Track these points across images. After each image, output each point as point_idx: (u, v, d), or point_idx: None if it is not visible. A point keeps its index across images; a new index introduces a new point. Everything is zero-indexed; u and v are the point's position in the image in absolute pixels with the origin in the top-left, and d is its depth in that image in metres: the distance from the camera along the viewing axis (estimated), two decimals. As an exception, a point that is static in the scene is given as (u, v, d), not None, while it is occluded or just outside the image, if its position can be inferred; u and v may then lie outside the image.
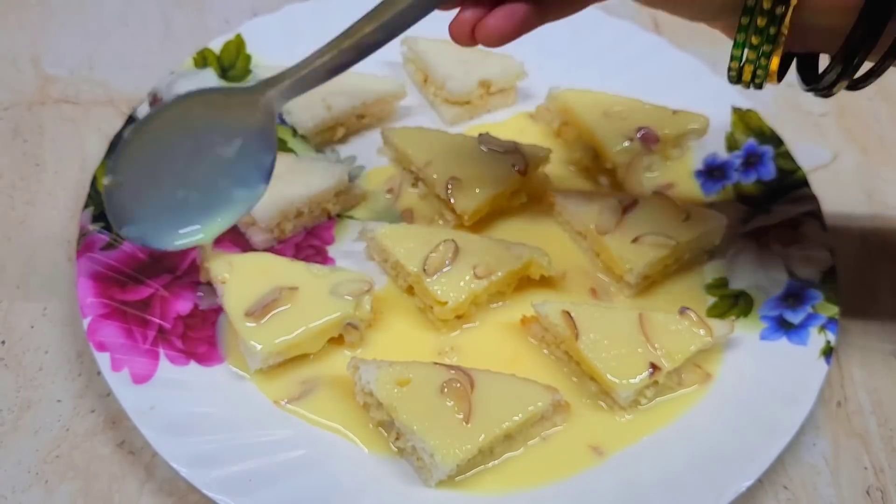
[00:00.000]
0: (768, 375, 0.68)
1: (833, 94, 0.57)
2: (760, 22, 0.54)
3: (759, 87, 0.59)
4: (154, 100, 0.79)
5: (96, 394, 0.67)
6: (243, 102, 0.64)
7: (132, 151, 0.63)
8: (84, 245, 0.69)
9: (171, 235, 0.66)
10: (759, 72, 0.57)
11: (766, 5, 0.53)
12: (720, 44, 0.95)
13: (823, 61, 0.58)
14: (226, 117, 0.64)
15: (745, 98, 0.84)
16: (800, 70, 0.60)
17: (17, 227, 0.76)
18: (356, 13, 0.88)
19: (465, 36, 0.60)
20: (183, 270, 0.71)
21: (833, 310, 0.70)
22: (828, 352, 0.68)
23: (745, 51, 0.57)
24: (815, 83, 0.58)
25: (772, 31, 0.54)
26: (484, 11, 0.59)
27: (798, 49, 0.58)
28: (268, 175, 0.66)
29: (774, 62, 0.56)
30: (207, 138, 0.65)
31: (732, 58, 0.57)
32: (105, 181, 0.63)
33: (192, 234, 0.66)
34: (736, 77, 0.59)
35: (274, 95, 0.64)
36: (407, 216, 0.77)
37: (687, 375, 0.68)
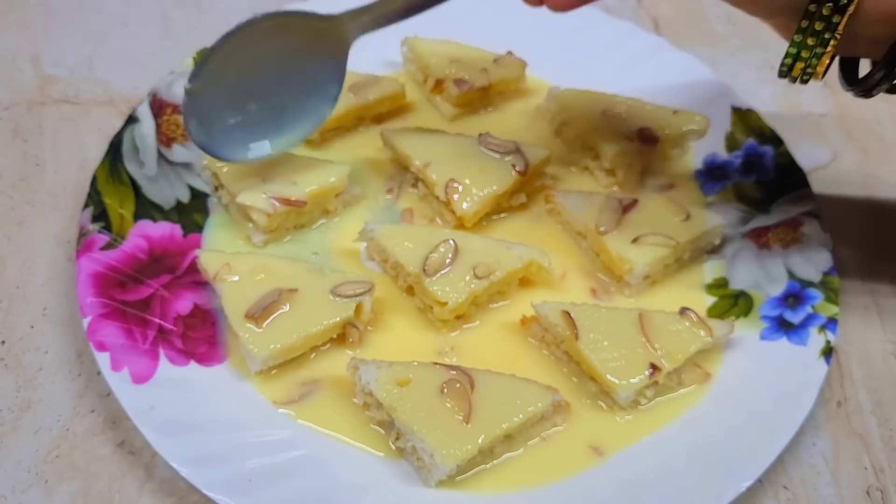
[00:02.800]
0: (768, 375, 0.68)
1: (873, 96, 0.62)
2: (818, 26, 0.59)
3: (805, 82, 0.63)
4: (154, 100, 0.79)
5: (96, 394, 0.67)
6: (322, 30, 0.70)
7: (215, 62, 0.68)
8: (84, 245, 0.69)
9: (241, 148, 0.71)
10: (808, 70, 0.62)
11: (826, 12, 0.58)
12: (720, 44, 0.96)
13: (863, 66, 0.63)
14: (303, 41, 0.70)
15: (744, 98, 0.84)
16: (843, 71, 0.65)
17: (17, 227, 0.76)
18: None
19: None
20: (183, 270, 0.71)
21: (833, 310, 0.70)
22: (828, 352, 0.68)
23: (800, 50, 0.61)
24: (857, 85, 0.63)
25: (826, 35, 0.59)
26: None
27: (844, 53, 0.63)
28: (334, 101, 0.72)
29: (824, 62, 0.61)
30: (284, 59, 0.70)
31: (787, 55, 0.62)
32: (186, 85, 0.67)
33: (259, 149, 0.72)
34: (786, 72, 0.63)
35: (353, 28, 0.69)
36: (407, 216, 0.77)
37: (687, 375, 0.68)
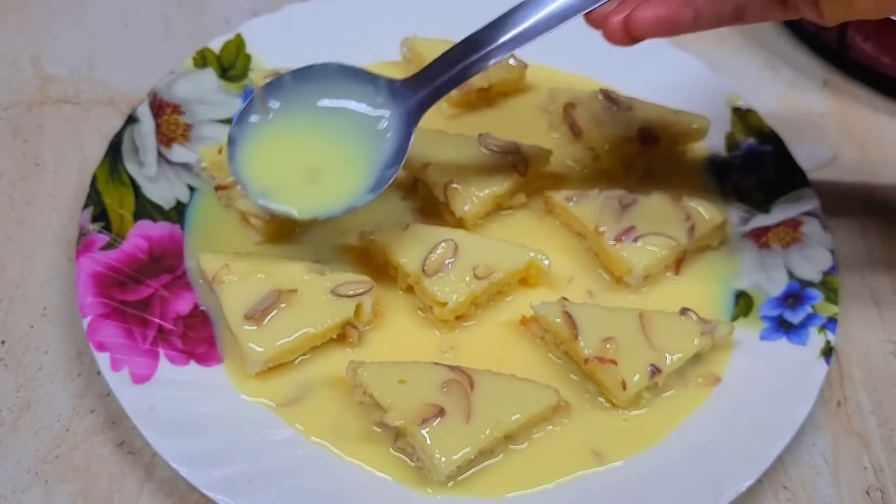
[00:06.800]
0: (768, 375, 0.68)
1: None
2: None
3: None
4: (154, 100, 0.79)
5: (96, 394, 0.67)
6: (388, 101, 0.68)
7: (290, 89, 0.68)
8: (84, 245, 0.69)
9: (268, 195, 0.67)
10: None
11: None
12: (720, 44, 0.96)
13: None
14: (372, 102, 0.68)
15: (745, 98, 0.84)
16: None
17: (17, 227, 0.76)
18: (356, 13, 0.89)
19: (619, 34, 0.62)
20: (183, 270, 0.71)
21: (833, 310, 0.70)
22: (827, 352, 0.68)
23: None
24: None
25: None
26: (631, 6, 0.61)
27: None
28: (379, 187, 0.67)
29: None
30: (351, 121, 0.68)
31: None
32: (258, 93, 0.67)
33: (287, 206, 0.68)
34: None
35: (423, 100, 0.67)
36: (417, 215, 0.77)
37: (689, 376, 0.68)
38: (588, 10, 0.63)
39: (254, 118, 0.68)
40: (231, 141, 0.67)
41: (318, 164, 0.68)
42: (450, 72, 0.67)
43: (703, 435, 0.65)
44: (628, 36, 0.62)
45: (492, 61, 0.66)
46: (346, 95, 0.69)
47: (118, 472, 0.63)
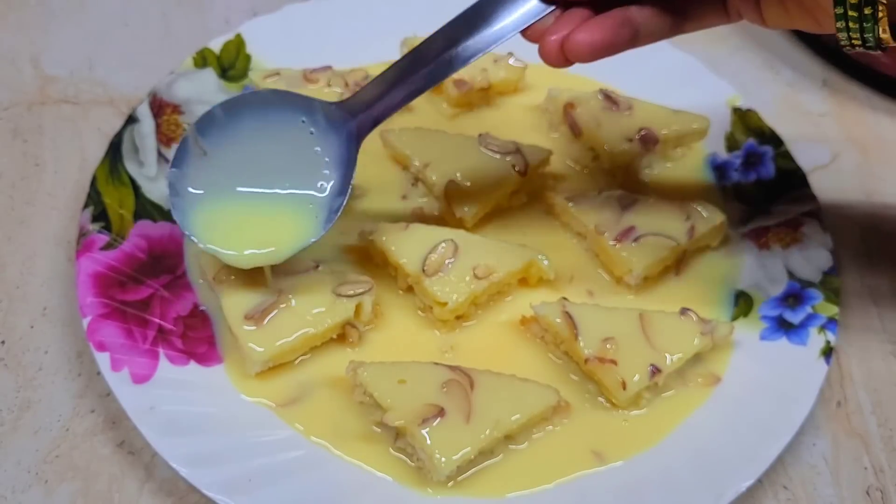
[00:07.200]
0: (768, 376, 0.68)
1: None
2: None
3: (883, 50, 0.58)
4: (154, 100, 0.79)
5: (96, 394, 0.67)
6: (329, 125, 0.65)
7: (222, 127, 0.64)
8: (84, 245, 0.69)
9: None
10: (867, 37, 0.56)
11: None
12: (720, 44, 0.96)
13: None
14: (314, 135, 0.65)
15: (744, 98, 0.84)
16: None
17: (17, 227, 0.76)
18: (356, 13, 0.89)
19: (554, 55, 0.60)
20: (183, 270, 0.71)
21: (833, 310, 0.70)
22: (828, 352, 0.68)
23: (849, 30, 0.56)
24: None
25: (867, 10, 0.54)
26: (571, 28, 0.59)
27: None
28: (325, 222, 0.65)
29: (884, 25, 0.55)
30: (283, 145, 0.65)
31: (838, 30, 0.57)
32: (191, 132, 0.63)
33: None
34: (847, 44, 0.58)
35: (362, 122, 0.64)
36: (416, 216, 0.77)
37: (689, 376, 0.68)
38: (523, 27, 0.61)
39: (190, 163, 0.65)
40: (171, 187, 0.64)
41: (263, 208, 0.66)
42: (392, 92, 0.64)
43: (703, 435, 0.65)
44: (563, 58, 0.60)
45: (433, 83, 0.64)
46: (281, 128, 0.65)
47: (118, 472, 0.63)
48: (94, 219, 0.71)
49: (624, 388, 0.64)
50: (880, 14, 0.55)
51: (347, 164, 0.65)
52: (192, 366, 0.66)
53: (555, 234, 0.77)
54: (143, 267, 0.70)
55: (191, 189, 0.65)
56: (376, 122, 0.65)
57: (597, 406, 0.67)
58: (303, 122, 0.65)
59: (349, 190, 0.65)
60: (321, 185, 0.66)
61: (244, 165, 0.66)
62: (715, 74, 0.86)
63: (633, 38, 0.61)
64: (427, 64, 0.63)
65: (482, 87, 0.83)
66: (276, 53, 0.85)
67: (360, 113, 0.65)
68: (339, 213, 0.65)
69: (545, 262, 0.71)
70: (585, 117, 0.80)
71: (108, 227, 0.71)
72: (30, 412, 0.66)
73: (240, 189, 0.66)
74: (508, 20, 0.61)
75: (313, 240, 0.65)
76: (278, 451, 0.62)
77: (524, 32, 0.62)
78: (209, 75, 0.83)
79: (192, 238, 0.64)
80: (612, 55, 0.61)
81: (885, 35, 0.56)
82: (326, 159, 0.66)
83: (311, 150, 0.66)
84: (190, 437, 0.61)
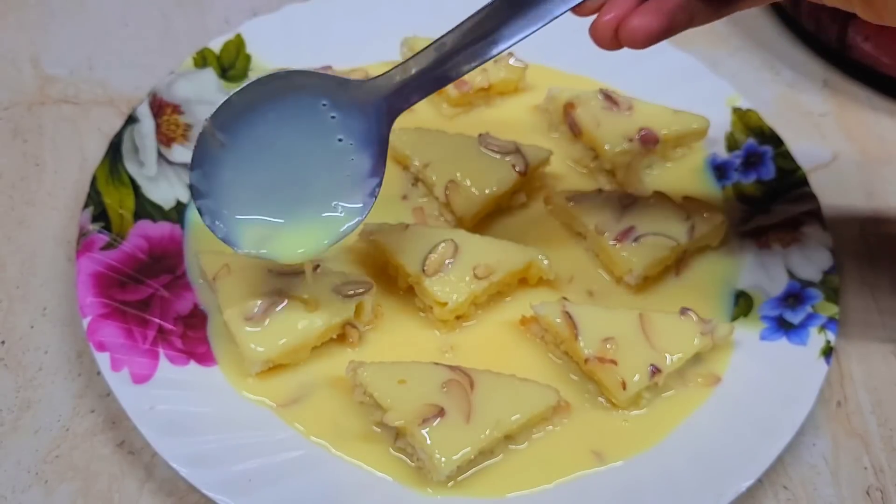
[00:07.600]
0: (768, 375, 0.68)
1: None
2: None
3: None
4: (154, 100, 0.79)
5: (96, 394, 0.67)
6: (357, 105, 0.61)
7: (239, 116, 0.61)
8: (84, 245, 0.69)
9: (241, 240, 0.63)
10: None
11: None
12: (720, 44, 0.96)
13: None
14: (338, 116, 0.62)
15: (744, 98, 0.84)
16: None
17: (17, 227, 0.76)
18: (356, 13, 0.89)
19: (608, 39, 0.58)
20: (183, 270, 0.71)
21: (833, 310, 0.70)
22: (828, 352, 0.68)
23: None
24: None
25: None
26: (627, 9, 0.57)
27: None
28: (368, 204, 0.62)
29: None
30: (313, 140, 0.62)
31: None
32: (207, 125, 0.60)
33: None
34: None
35: (393, 102, 0.61)
36: (418, 215, 0.77)
37: (689, 376, 0.68)
38: (573, 5, 0.58)
39: (210, 161, 0.61)
40: (193, 190, 0.62)
41: (292, 197, 0.63)
42: (431, 70, 0.60)
43: (703, 435, 0.65)
44: (616, 42, 0.58)
45: (477, 63, 0.60)
46: (301, 117, 0.62)
47: (118, 472, 0.63)
48: (94, 219, 0.71)
49: (624, 388, 0.64)
50: None
51: (379, 143, 0.62)
52: (192, 366, 0.66)
53: (555, 234, 0.77)
54: (143, 267, 0.70)
55: (225, 211, 0.62)
56: (409, 101, 0.62)
57: (597, 406, 0.67)
58: (324, 105, 0.62)
59: (383, 167, 0.62)
60: (347, 175, 0.63)
61: (266, 161, 0.62)
62: (715, 74, 0.86)
63: (689, 22, 0.58)
64: (472, 43, 0.59)
65: (482, 88, 0.83)
66: (276, 53, 0.85)
67: (392, 92, 0.61)
68: (377, 194, 0.62)
69: (545, 262, 0.71)
70: (585, 117, 0.80)
71: (108, 227, 0.71)
72: (30, 412, 0.66)
73: (262, 177, 0.62)
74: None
75: (352, 230, 0.63)
76: (278, 451, 0.62)
77: (575, 9, 0.59)
78: (209, 75, 0.83)
79: (238, 249, 0.62)
80: (665, 39, 0.58)
81: None
82: (351, 143, 0.63)
83: (333, 139, 0.62)
84: (190, 436, 0.61)
